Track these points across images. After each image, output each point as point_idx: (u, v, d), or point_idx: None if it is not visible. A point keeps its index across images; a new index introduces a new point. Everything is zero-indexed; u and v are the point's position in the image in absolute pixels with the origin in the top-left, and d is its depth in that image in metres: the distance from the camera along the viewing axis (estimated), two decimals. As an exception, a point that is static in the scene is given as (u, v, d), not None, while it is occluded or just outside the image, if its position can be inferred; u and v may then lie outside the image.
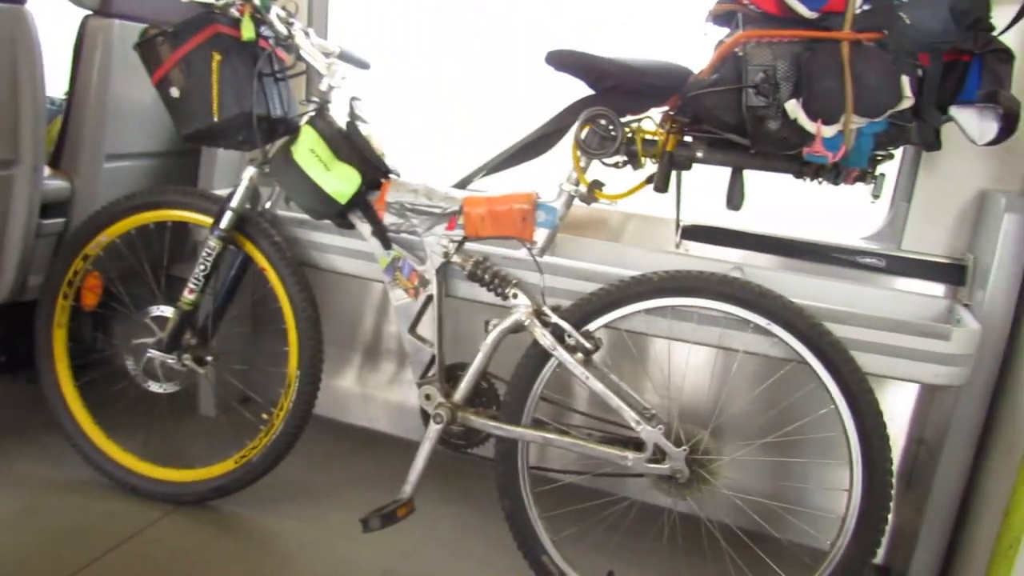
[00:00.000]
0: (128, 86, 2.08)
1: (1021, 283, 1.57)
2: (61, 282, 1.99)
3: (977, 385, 1.57)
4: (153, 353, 1.90)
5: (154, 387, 1.96)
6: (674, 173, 1.50)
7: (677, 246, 1.86)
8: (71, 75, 2.08)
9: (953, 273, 1.72)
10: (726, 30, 1.44)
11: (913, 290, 1.74)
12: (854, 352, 1.42)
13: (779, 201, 1.81)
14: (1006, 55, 1.33)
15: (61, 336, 2.01)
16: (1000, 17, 1.33)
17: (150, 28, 1.74)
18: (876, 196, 1.44)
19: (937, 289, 1.75)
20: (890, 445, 1.40)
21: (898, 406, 1.83)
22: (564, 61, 1.49)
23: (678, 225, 1.65)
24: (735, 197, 1.50)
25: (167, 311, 1.91)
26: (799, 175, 1.43)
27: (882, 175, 1.41)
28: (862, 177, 1.41)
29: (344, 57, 1.88)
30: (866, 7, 1.29)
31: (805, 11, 1.29)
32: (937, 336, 1.44)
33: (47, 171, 2.01)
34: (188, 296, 1.86)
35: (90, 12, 2.04)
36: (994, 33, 1.34)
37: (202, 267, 1.84)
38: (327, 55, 1.80)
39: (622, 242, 1.97)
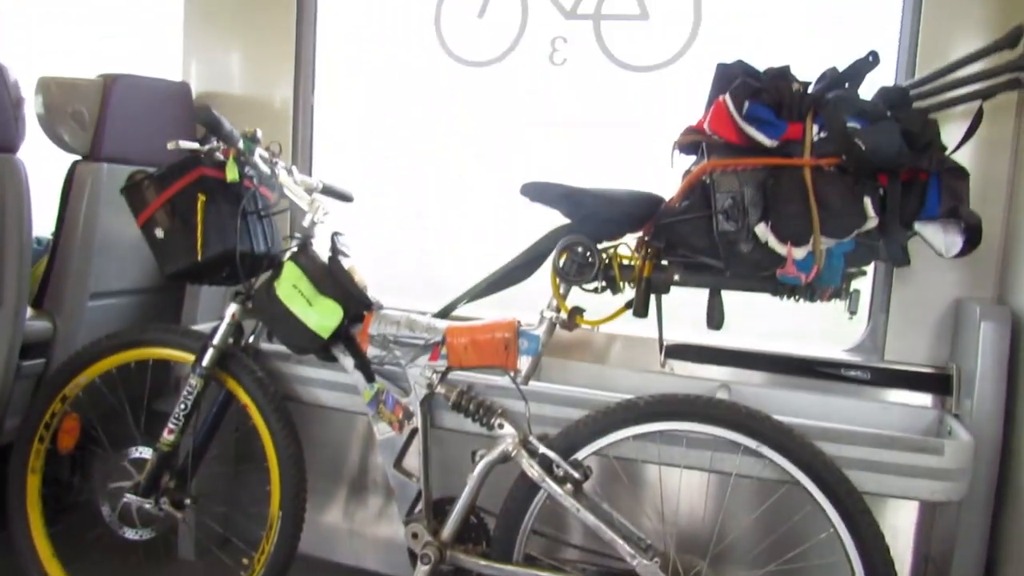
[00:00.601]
0: (114, 226, 2.13)
1: (1007, 389, 1.57)
2: (38, 425, 1.95)
3: (977, 498, 1.54)
4: (130, 498, 1.85)
5: (130, 534, 1.89)
6: (653, 296, 1.52)
7: (662, 366, 1.87)
8: (58, 216, 2.12)
9: (938, 383, 1.73)
10: (693, 158, 1.51)
11: (900, 401, 1.74)
12: (848, 471, 1.41)
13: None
14: (961, 172, 1.39)
15: (35, 482, 1.94)
16: (950, 137, 1.40)
17: (136, 173, 1.80)
18: (853, 312, 1.46)
19: (924, 399, 1.75)
20: (895, 567, 1.36)
21: (901, 523, 1.79)
22: (538, 193, 1.54)
23: (662, 345, 1.66)
24: (715, 317, 1.51)
25: (146, 452, 1.87)
26: (775, 294, 1.46)
27: (857, 291, 1.44)
28: (837, 294, 1.43)
29: (327, 191, 1.95)
30: (823, 135, 1.36)
31: (766, 140, 1.36)
32: (930, 451, 1.42)
33: (29, 312, 2.02)
34: (168, 437, 1.82)
35: (79, 157, 2.12)
36: (947, 152, 1.41)
37: (183, 406, 1.81)
38: (310, 191, 1.86)
39: (608, 363, 1.97)
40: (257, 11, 2.39)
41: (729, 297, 1.48)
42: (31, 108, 2.02)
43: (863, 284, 1.48)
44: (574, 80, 2.24)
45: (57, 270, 2.10)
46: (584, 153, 2.25)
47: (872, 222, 1.33)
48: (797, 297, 1.44)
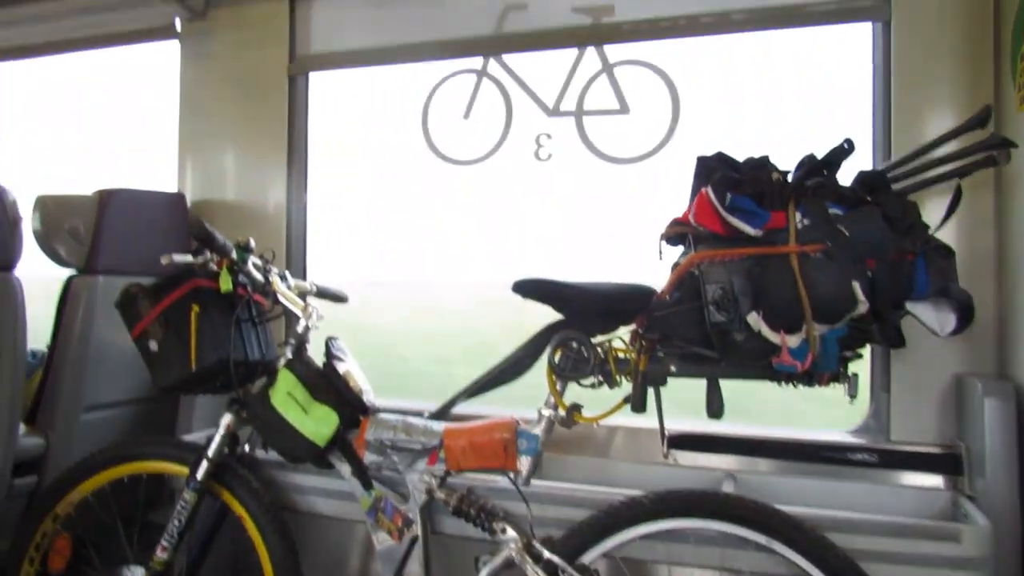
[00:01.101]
0: (108, 338, 2.13)
1: (1019, 467, 1.54)
2: (28, 546, 1.89)
3: (1000, 586, 1.49)
4: (119, 624, 1.78)
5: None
6: (652, 388, 1.51)
7: (665, 457, 1.83)
8: (54, 330, 2.13)
9: (948, 462, 1.69)
10: (680, 248, 1.53)
11: (911, 483, 1.70)
12: (863, 563, 1.37)
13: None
14: (946, 251, 1.40)
15: (23, 607, 1.87)
16: (931, 216, 1.42)
17: (131, 286, 1.81)
18: (853, 396, 1.44)
19: (935, 480, 1.71)
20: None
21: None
22: (531, 289, 1.55)
23: (663, 436, 1.63)
24: (714, 405, 1.49)
25: (138, 573, 1.81)
26: (774, 380, 1.45)
27: (855, 375, 1.43)
28: (835, 378, 1.42)
29: (322, 293, 1.96)
30: (806, 222, 1.38)
31: (750, 230, 1.38)
32: (947, 538, 1.37)
33: (22, 428, 1.99)
34: (161, 555, 1.77)
35: (74, 272, 2.14)
36: (930, 231, 1.42)
37: (176, 523, 1.77)
38: (304, 295, 1.87)
39: (610, 456, 1.94)
40: (249, 121, 2.48)
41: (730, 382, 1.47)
42: (28, 225, 2.05)
43: (861, 366, 1.46)
44: (559, 173, 2.30)
45: (51, 384, 2.10)
46: (573, 243, 2.28)
47: (863, 306, 1.32)
48: (795, 384, 1.43)
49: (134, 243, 2.22)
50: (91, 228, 2.15)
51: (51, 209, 2.11)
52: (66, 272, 2.17)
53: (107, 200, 2.18)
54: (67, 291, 2.14)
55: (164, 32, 2.66)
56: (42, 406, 2.09)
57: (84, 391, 2.12)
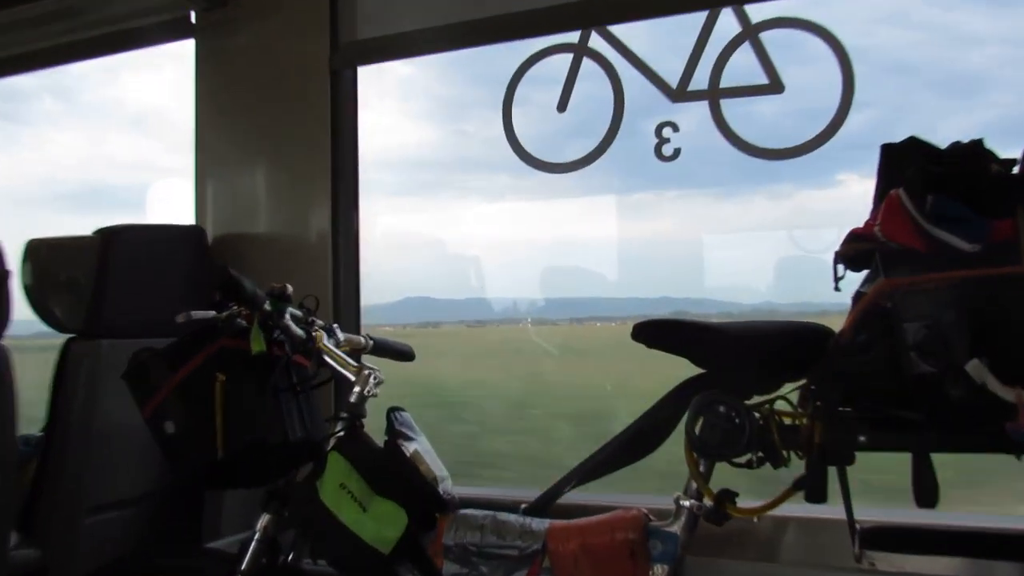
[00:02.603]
0: (115, 418, 2.22)
1: None
2: None
3: None
4: None
5: None
6: (834, 467, 1.48)
7: (858, 560, 1.77)
8: (49, 409, 2.23)
9: None
10: (864, 273, 1.49)
11: None
12: None
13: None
14: None
15: None
16: None
17: (141, 352, 1.91)
18: None
19: None
20: None
21: None
22: (657, 335, 1.55)
23: (853, 531, 1.59)
24: (925, 490, 1.44)
25: None
26: (1007, 453, 1.38)
27: None
28: (1101, 450, 1.35)
29: (380, 349, 2.02)
30: (1048, 231, 1.32)
31: (963, 245, 1.32)
32: None
33: (14, 538, 2.08)
34: None
35: (73, 335, 2.26)
36: None
37: (203, 658, 1.83)
38: (358, 352, 1.93)
39: (778, 559, 1.90)
40: (284, 130, 2.59)
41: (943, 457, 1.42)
42: (18, 279, 2.17)
43: None
44: (691, 173, 2.31)
45: (48, 480, 2.18)
46: (718, 264, 2.29)
47: None
48: (1042, 456, 1.36)
49: (145, 295, 2.31)
50: (91, 278, 2.25)
51: (44, 257, 2.23)
52: (63, 335, 2.29)
53: (111, 241, 2.28)
54: (65, 358, 2.24)
55: (177, 29, 2.81)
56: (37, 508, 2.18)
57: (87, 487, 2.20)
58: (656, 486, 1.71)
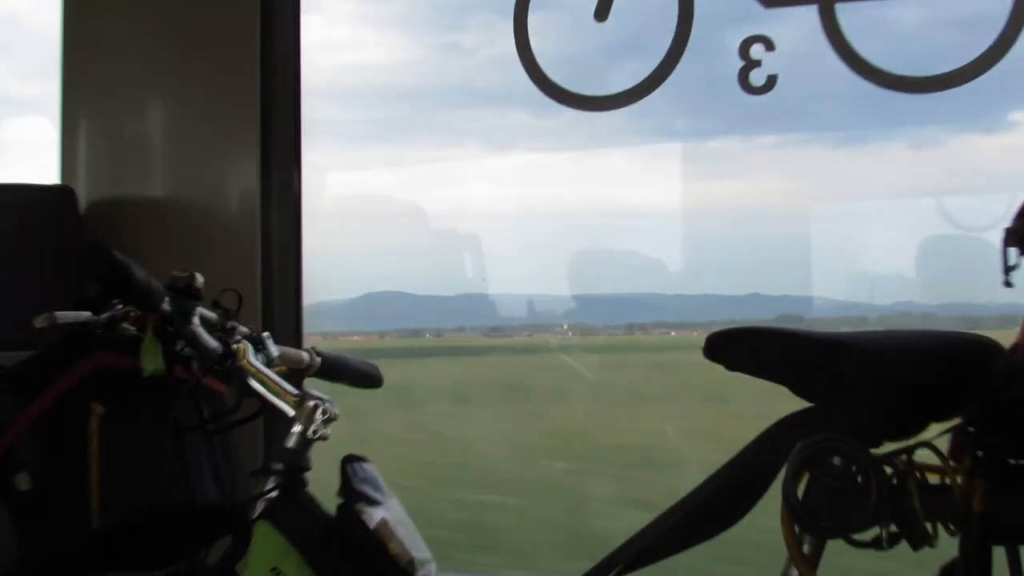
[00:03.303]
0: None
1: None
2: None
3: None
4: None
5: None
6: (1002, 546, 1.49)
7: None
8: None
9: None
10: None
11: None
12: None
13: None
14: None
15: None
16: None
17: (-19, 372, 1.93)
18: None
19: None
20: None
21: None
22: (742, 351, 1.57)
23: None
24: None
25: None
26: None
27: None
28: None
29: (331, 370, 2.05)
30: None
31: None
32: None
33: None
34: None
35: None
36: None
37: None
38: (299, 372, 1.96)
39: None
40: (189, 54, 2.62)
41: None
42: None
43: None
44: (789, 110, 2.31)
45: None
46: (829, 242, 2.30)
47: None
48: None
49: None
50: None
51: None
52: None
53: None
54: None
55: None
56: None
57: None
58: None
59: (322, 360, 2.04)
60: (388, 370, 2.21)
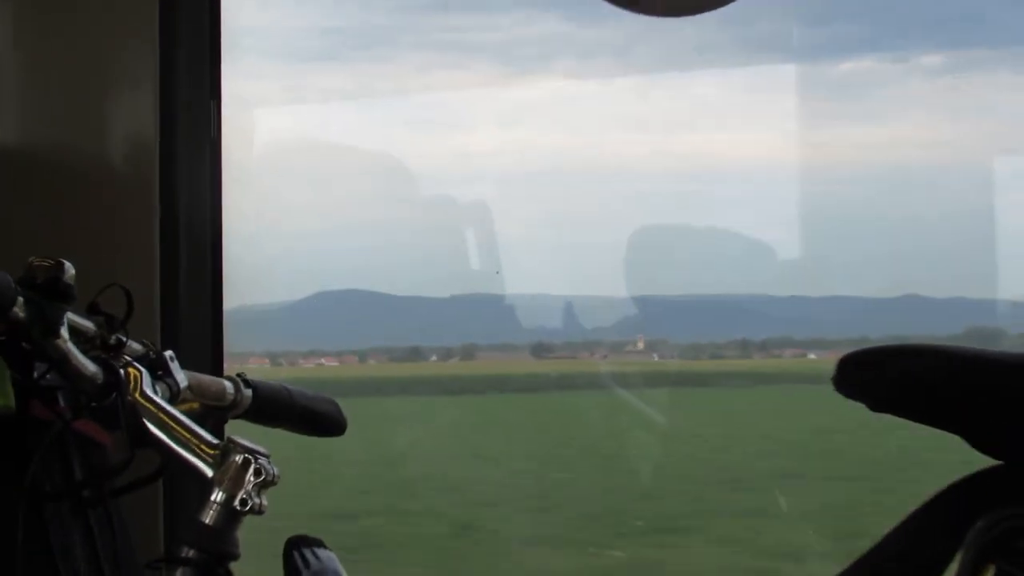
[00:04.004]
0: None
1: None
2: None
3: None
4: None
5: None
6: None
7: None
8: None
9: None
10: None
11: None
12: None
13: None
14: None
15: None
16: None
17: None
18: None
19: None
20: None
21: None
22: (889, 379, 1.58)
23: None
24: None
25: None
26: None
27: None
28: None
29: (267, 410, 2.06)
30: None
31: None
32: None
33: None
34: None
35: None
36: None
37: None
38: (218, 412, 1.96)
39: None
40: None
41: None
42: None
43: None
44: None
45: None
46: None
47: None
48: None
49: None
50: None
51: None
52: None
53: None
54: None
55: None
56: None
57: None
58: None
59: (254, 394, 2.04)
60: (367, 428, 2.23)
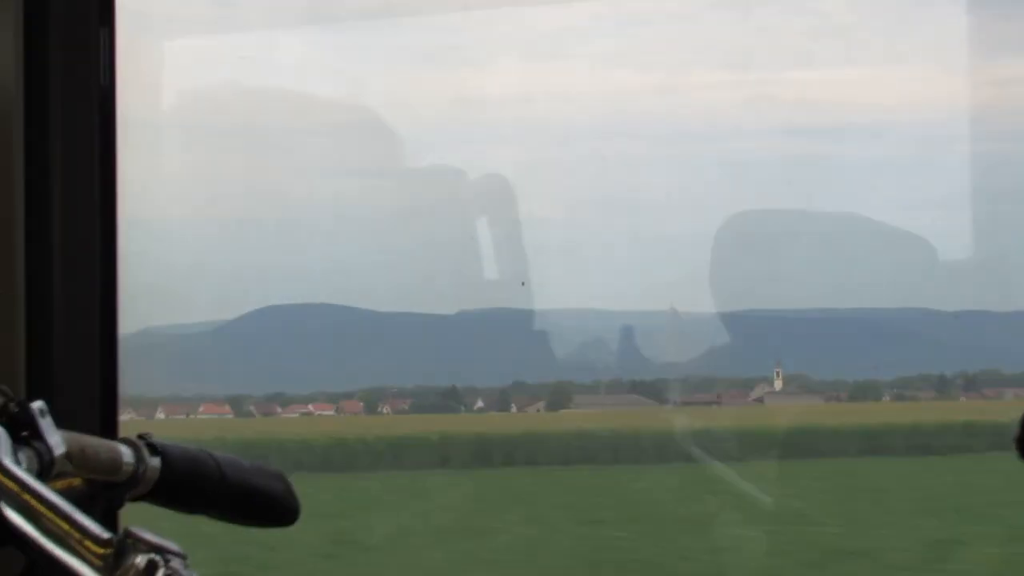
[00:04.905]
0: None
1: None
2: None
3: None
4: None
5: None
6: None
7: None
8: None
9: None
10: None
11: None
12: None
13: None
14: None
15: None
16: None
17: None
18: None
19: None
20: None
21: None
22: None
23: None
24: None
25: None
26: None
27: None
28: None
29: (180, 487, 2.06)
30: None
31: None
32: None
33: None
34: None
35: None
36: None
37: None
38: (108, 490, 1.97)
39: None
40: None
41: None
42: None
43: None
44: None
45: None
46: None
47: None
48: None
49: None
50: None
51: None
52: None
53: None
54: None
55: None
56: None
57: None
58: None
59: (164, 464, 2.02)
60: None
